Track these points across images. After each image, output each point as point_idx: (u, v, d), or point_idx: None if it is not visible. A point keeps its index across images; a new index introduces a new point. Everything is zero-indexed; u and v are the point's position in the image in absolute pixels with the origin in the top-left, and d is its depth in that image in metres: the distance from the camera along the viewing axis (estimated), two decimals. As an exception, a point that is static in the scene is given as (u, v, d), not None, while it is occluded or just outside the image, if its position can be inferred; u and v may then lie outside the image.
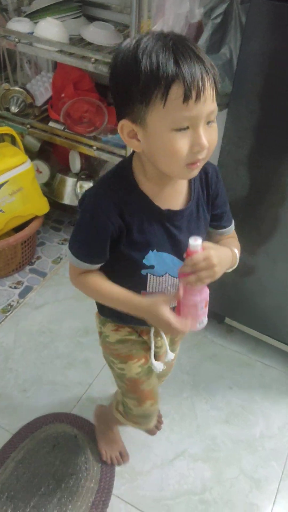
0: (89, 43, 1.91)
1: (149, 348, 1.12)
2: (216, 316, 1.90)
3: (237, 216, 1.17)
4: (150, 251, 0.94)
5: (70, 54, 1.85)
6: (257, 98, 1.35)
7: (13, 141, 2.08)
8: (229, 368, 1.83)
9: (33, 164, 2.06)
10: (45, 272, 2.20)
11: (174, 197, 0.94)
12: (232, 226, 1.10)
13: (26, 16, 2.02)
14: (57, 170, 2.30)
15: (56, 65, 2.20)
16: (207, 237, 1.05)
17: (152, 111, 0.77)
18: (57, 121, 2.10)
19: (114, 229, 0.90)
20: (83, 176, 2.24)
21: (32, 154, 2.23)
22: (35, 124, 2.15)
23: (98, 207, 0.89)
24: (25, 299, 2.06)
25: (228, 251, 0.98)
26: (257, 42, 1.29)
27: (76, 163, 2.23)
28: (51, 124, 2.12)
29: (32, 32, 1.90)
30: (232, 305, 1.82)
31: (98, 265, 0.97)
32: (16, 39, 1.92)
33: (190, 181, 0.96)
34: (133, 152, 0.90)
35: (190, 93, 0.74)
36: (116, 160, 1.99)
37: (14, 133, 2.05)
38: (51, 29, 1.87)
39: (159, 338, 1.13)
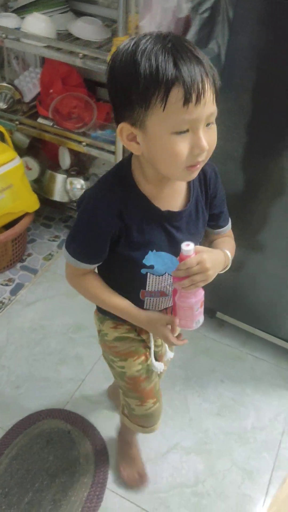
0: (77, 38, 1.90)
1: (148, 346, 1.13)
2: (208, 310, 1.91)
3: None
4: (150, 252, 0.94)
5: (58, 49, 1.84)
6: (246, 93, 1.36)
7: (2, 138, 2.07)
8: (221, 361, 1.84)
9: (23, 161, 2.06)
10: (36, 269, 2.19)
11: (173, 197, 0.94)
12: (229, 225, 1.10)
13: (13, 11, 2.01)
14: (46, 166, 2.30)
15: (44, 60, 2.19)
16: (204, 236, 1.05)
17: (152, 114, 0.76)
18: (46, 117, 2.10)
19: (114, 230, 0.90)
20: (73, 172, 2.24)
21: (21, 151, 2.22)
22: (24, 121, 2.15)
23: (98, 208, 0.89)
24: (17, 296, 2.05)
25: (221, 253, 0.98)
26: (245, 36, 1.29)
27: (65, 159, 2.23)
28: (40, 120, 2.11)
29: (19, 28, 1.89)
30: (224, 300, 1.84)
31: (96, 265, 0.98)
32: (3, 35, 1.91)
33: (189, 182, 0.96)
34: (132, 153, 0.90)
35: (190, 96, 0.73)
36: (106, 156, 1.99)
37: (3, 129, 2.04)
38: (38, 24, 1.86)
39: (158, 337, 1.14)
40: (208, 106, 0.76)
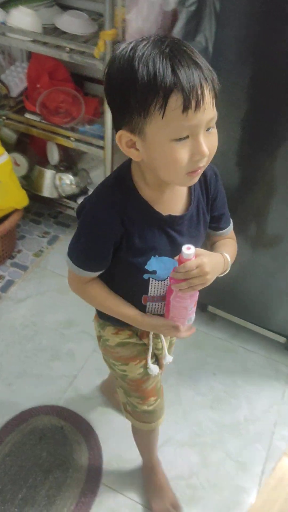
0: (63, 32, 1.89)
1: (148, 349, 1.12)
2: (200, 304, 1.90)
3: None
4: (152, 257, 0.93)
5: (44, 43, 1.83)
6: (233, 86, 1.36)
7: (-11, 134, 2.05)
8: (213, 354, 1.85)
9: (10, 157, 2.04)
10: (26, 265, 2.18)
11: (175, 202, 0.93)
12: (231, 227, 1.09)
13: (-2, 5, 1.99)
14: (35, 162, 2.28)
15: (30, 55, 2.17)
16: (205, 238, 1.04)
17: (151, 121, 0.75)
18: (33, 112, 2.08)
19: (116, 237, 0.89)
20: (61, 168, 2.22)
21: (8, 147, 2.20)
22: (11, 116, 2.13)
23: (100, 216, 0.88)
24: (7, 293, 2.04)
25: (220, 257, 0.97)
26: (232, 29, 1.29)
27: (54, 155, 2.21)
28: (27, 115, 2.09)
29: (5, 22, 1.87)
30: (215, 294, 1.83)
31: (100, 272, 0.97)
32: (-11, 29, 1.88)
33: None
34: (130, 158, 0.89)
35: (189, 103, 0.72)
36: (95, 151, 1.98)
37: (-11, 125, 2.02)
38: (24, 18, 1.84)
39: (158, 340, 1.13)
40: (208, 111, 0.75)
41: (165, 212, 0.91)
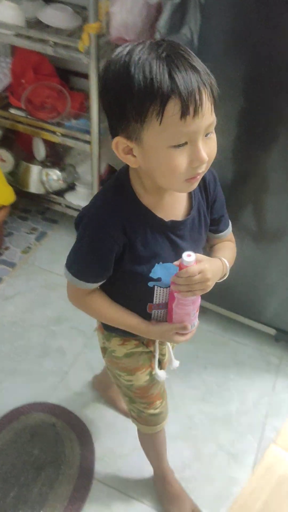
0: (47, 26, 1.86)
1: (154, 356, 1.11)
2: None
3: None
4: (156, 264, 0.91)
5: (28, 37, 1.80)
6: (219, 78, 1.35)
7: (-26, 130, 2.03)
8: (204, 348, 1.85)
9: (-4, 153, 2.02)
10: (14, 262, 2.16)
11: (176, 206, 0.91)
12: (229, 229, 1.08)
13: (-20, -1, 1.95)
14: (21, 158, 2.25)
15: (14, 50, 2.14)
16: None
17: (148, 128, 0.73)
18: (18, 108, 2.06)
19: (119, 247, 0.87)
20: (48, 163, 2.20)
21: (-6, 143, 2.18)
22: (-4, 111, 2.10)
23: (101, 227, 0.86)
24: (-5, 291, 2.03)
25: (219, 262, 0.96)
26: (217, 21, 1.29)
27: (40, 150, 2.19)
28: (12, 110, 2.07)
29: (-13, 16, 1.84)
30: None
31: (101, 282, 0.95)
32: (-29, 23, 1.85)
33: None
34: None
35: (188, 109, 0.70)
36: (81, 146, 1.97)
37: (-26, 121, 1.99)
38: (7, 12, 1.82)
39: (163, 347, 1.12)
40: (207, 117, 0.73)
41: (167, 218, 0.89)
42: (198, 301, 0.92)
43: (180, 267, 0.84)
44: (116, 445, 1.53)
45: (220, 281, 0.97)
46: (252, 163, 1.46)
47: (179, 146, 0.74)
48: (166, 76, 0.69)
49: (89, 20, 1.60)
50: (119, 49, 0.75)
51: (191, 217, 0.93)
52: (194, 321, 0.96)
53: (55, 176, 2.16)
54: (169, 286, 0.93)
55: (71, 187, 2.23)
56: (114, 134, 0.80)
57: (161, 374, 1.11)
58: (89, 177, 2.06)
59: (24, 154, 2.29)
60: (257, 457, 1.53)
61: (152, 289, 0.94)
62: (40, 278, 2.08)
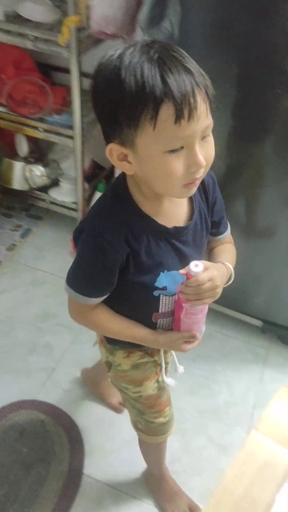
0: (27, 20, 1.84)
1: (159, 364, 1.09)
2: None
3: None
4: (161, 273, 0.88)
5: (7, 31, 1.78)
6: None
7: None
8: (191, 341, 1.86)
9: (-22, 150, 1.99)
10: (-1, 260, 2.15)
11: (177, 212, 0.89)
12: (229, 231, 1.06)
13: None
14: (3, 154, 2.23)
15: (-7, 44, 2.11)
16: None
17: (142, 134, 0.71)
18: (-1, 104, 2.03)
19: (122, 258, 0.84)
20: (31, 159, 2.18)
21: (-24, 139, 2.15)
22: (-24, 108, 2.07)
23: (103, 237, 0.82)
24: (-20, 289, 2.01)
25: (224, 268, 0.94)
26: (197, 13, 1.28)
27: (23, 146, 2.17)
28: (-7, 106, 2.04)
29: None
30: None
31: (105, 296, 0.92)
32: None
33: None
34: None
35: (182, 113, 0.68)
36: (64, 141, 1.95)
37: None
38: (-15, 6, 1.79)
39: (167, 355, 1.11)
40: (202, 120, 0.71)
41: (169, 224, 0.87)
42: (206, 308, 0.90)
43: (188, 276, 0.82)
44: (105, 440, 1.53)
45: (225, 286, 0.95)
46: (236, 157, 1.46)
47: (174, 151, 0.72)
48: (158, 79, 0.66)
49: (68, 14, 1.59)
50: (109, 52, 0.72)
51: (193, 221, 0.90)
52: (202, 327, 0.94)
53: (38, 172, 2.15)
54: (174, 294, 0.91)
55: (55, 183, 2.21)
56: (107, 141, 0.77)
57: (169, 382, 1.09)
58: (73, 173, 2.05)
59: (7, 151, 2.27)
60: (245, 448, 1.54)
61: (157, 298, 0.92)
62: (25, 275, 2.06)
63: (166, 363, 1.12)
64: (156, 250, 0.87)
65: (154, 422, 1.16)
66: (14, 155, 2.22)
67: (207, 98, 0.71)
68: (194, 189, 0.80)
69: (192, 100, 0.68)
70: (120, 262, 0.84)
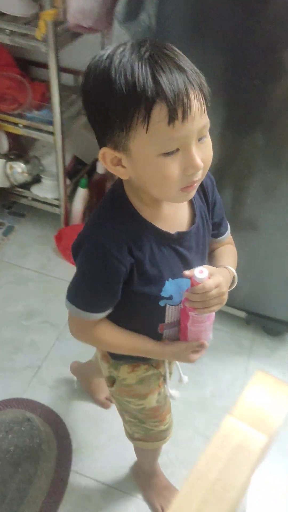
0: (3, 14, 1.81)
1: (163, 375, 1.07)
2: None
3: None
4: (166, 282, 0.85)
5: (-17, 26, 1.75)
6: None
7: None
8: (176, 334, 1.86)
9: None
10: (-18, 258, 2.12)
11: (178, 216, 0.86)
12: (229, 231, 1.03)
13: None
14: (-17, 151, 2.21)
15: None
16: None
17: (135, 137, 0.68)
18: (-23, 100, 2.00)
19: (126, 269, 0.80)
20: (12, 156, 2.16)
21: None
22: None
23: (104, 250, 0.78)
24: None
25: (227, 272, 0.92)
26: (174, 4, 1.27)
27: (3, 143, 2.15)
28: (-29, 103, 2.01)
29: None
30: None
31: (109, 311, 0.88)
32: None
33: None
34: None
35: (175, 113, 0.65)
36: (45, 137, 1.93)
37: None
38: None
39: (172, 364, 1.09)
40: (197, 120, 0.68)
41: (172, 230, 0.83)
42: (213, 315, 0.87)
43: (192, 283, 0.79)
44: (92, 436, 1.53)
45: (229, 290, 0.91)
46: (218, 150, 1.45)
47: (170, 153, 0.69)
48: (150, 78, 0.64)
49: (45, 7, 1.57)
50: (100, 53, 0.69)
51: (196, 225, 0.87)
52: (209, 334, 0.92)
53: (19, 169, 2.12)
54: (179, 303, 0.88)
55: (36, 179, 2.19)
56: (100, 145, 0.74)
57: (174, 394, 1.06)
58: (55, 169, 2.03)
59: (-13, 148, 2.24)
60: (232, 438, 1.55)
61: (163, 309, 0.89)
62: (9, 273, 2.04)
63: (170, 374, 1.09)
64: (160, 258, 0.83)
65: (153, 430, 1.15)
66: (-6, 152, 2.19)
67: (202, 96, 0.68)
68: (192, 193, 0.77)
69: (185, 100, 0.65)
70: (124, 273, 0.80)
